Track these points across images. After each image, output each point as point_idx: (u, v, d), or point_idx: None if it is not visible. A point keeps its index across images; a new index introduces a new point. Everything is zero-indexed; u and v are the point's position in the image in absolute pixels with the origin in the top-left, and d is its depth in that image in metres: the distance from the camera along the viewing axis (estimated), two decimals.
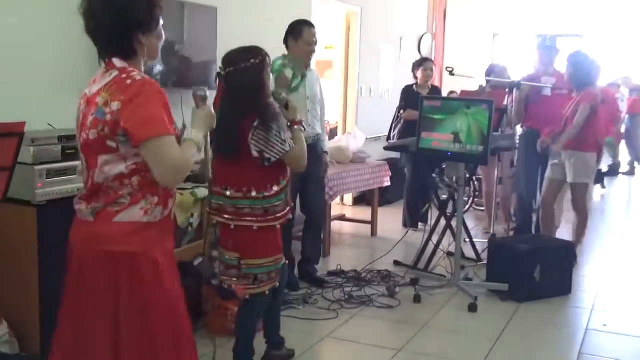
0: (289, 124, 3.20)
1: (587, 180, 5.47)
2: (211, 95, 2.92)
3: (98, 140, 2.02)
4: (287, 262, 3.47)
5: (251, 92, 3.08)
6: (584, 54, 5.72)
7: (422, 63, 6.78)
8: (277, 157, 3.03)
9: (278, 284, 3.27)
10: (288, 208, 3.22)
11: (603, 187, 9.84)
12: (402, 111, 6.51)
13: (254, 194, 3.06)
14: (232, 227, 3.10)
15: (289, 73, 4.38)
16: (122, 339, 2.05)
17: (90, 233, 2.07)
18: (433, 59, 8.42)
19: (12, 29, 3.55)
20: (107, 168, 2.03)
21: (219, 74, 3.19)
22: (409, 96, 6.49)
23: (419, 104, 4.79)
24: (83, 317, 2.09)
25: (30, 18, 3.65)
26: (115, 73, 2.03)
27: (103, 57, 2.10)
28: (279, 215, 3.14)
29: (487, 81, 6.54)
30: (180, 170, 2.03)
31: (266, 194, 3.08)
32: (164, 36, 2.17)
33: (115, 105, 1.97)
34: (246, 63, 3.07)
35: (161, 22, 2.13)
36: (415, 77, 6.75)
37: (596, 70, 5.54)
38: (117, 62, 2.06)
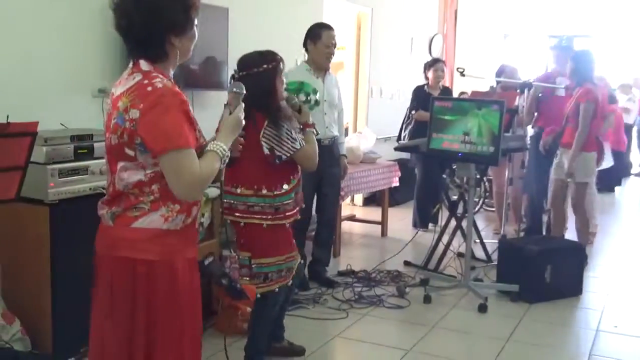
0: (300, 126, 3.24)
1: (587, 179, 5.45)
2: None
3: (118, 146, 1.98)
4: (302, 261, 3.49)
5: (262, 96, 3.08)
6: (587, 50, 5.68)
7: (434, 64, 6.75)
8: (288, 154, 3.08)
9: (291, 282, 3.28)
10: (297, 207, 3.24)
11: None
12: (413, 112, 6.50)
13: (264, 191, 3.11)
14: (242, 224, 3.12)
15: (302, 97, 4.34)
16: (136, 341, 2.04)
17: (110, 238, 2.04)
18: (444, 59, 8.38)
19: (26, 31, 3.57)
20: (126, 175, 1.99)
21: (233, 77, 3.21)
22: (420, 97, 6.47)
23: (430, 104, 4.78)
24: (104, 320, 2.07)
25: (45, 20, 3.67)
26: (138, 77, 1.97)
27: (132, 56, 2.04)
28: (288, 213, 3.18)
29: (498, 82, 6.53)
30: (198, 186, 1.98)
31: (277, 192, 3.12)
32: (197, 37, 2.08)
33: (134, 114, 1.92)
34: (259, 68, 3.12)
35: (196, 22, 2.05)
36: (427, 78, 6.73)
37: (593, 67, 5.50)
38: (143, 64, 2.00)
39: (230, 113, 2.19)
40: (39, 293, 3.26)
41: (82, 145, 3.35)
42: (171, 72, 2.09)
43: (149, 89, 1.93)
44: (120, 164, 2.00)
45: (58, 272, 3.23)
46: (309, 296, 4.51)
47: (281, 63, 3.20)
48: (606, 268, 5.58)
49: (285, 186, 3.15)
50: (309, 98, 4.41)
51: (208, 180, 2.00)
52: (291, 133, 3.09)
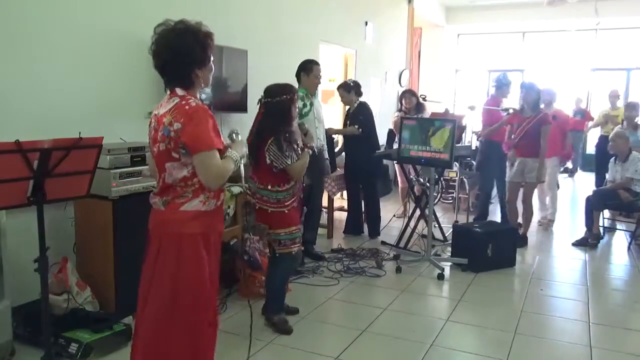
0: (302, 145, 3.29)
1: (534, 180, 5.34)
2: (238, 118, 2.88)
3: (165, 151, 2.04)
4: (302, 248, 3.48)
5: (279, 119, 3.17)
6: (533, 83, 5.49)
7: (337, 89, 5.64)
8: (281, 167, 3.13)
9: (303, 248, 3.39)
10: (293, 198, 3.27)
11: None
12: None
13: (270, 187, 3.20)
14: (257, 207, 3.23)
15: (299, 103, 4.38)
16: (178, 296, 2.09)
17: (163, 219, 2.10)
18: (410, 88, 8.35)
19: (98, 72, 3.58)
20: (175, 172, 2.06)
21: (260, 100, 3.28)
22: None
23: (400, 123, 4.75)
24: (154, 279, 2.12)
25: (109, 63, 3.67)
26: (177, 100, 2.05)
27: (168, 86, 2.11)
28: (286, 203, 3.23)
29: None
30: (221, 177, 2.04)
31: (278, 188, 3.19)
32: (213, 69, 2.16)
33: (177, 126, 1.99)
34: (280, 97, 3.18)
35: (212, 58, 2.13)
36: None
37: (538, 95, 5.43)
38: (179, 91, 2.08)
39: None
40: (105, 266, 3.26)
41: (137, 155, 3.35)
42: (198, 96, 2.15)
43: (187, 107, 2.00)
44: (168, 164, 2.06)
45: (119, 250, 3.23)
46: (309, 268, 4.51)
47: (296, 94, 3.24)
48: (534, 246, 5.58)
49: (286, 185, 3.21)
50: (305, 103, 4.47)
51: (226, 174, 2.05)
52: (286, 152, 3.12)
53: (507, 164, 5.45)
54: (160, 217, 2.11)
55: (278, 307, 3.39)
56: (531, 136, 5.18)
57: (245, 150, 2.29)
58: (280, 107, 3.17)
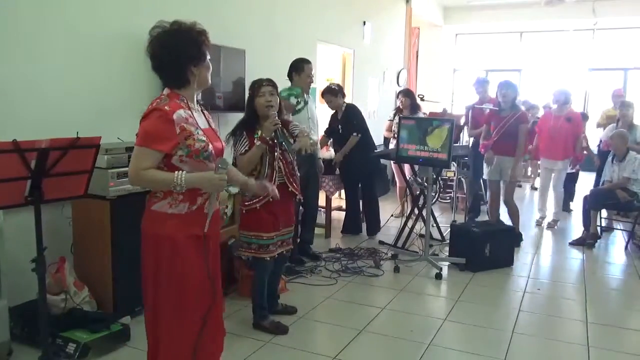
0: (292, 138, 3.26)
1: (510, 179, 5.36)
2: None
3: None
4: (287, 251, 3.35)
5: (245, 109, 3.29)
6: (510, 82, 5.44)
7: (323, 95, 5.46)
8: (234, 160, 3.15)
9: (268, 258, 3.17)
10: (256, 199, 3.09)
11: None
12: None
13: None
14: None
15: (293, 100, 4.34)
16: (157, 293, 2.09)
17: (145, 215, 2.11)
18: (406, 88, 8.32)
19: (94, 71, 3.57)
20: None
21: None
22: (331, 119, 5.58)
23: (398, 122, 4.75)
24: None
25: (106, 63, 3.66)
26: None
27: (164, 86, 2.11)
28: (246, 203, 3.15)
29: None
30: (136, 178, 1.99)
31: None
32: (211, 68, 2.14)
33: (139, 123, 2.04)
34: (249, 93, 3.27)
35: (208, 56, 2.10)
36: None
37: (516, 94, 5.38)
38: (165, 90, 2.09)
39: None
40: (102, 266, 3.26)
41: None
42: (195, 96, 2.13)
43: (150, 107, 2.03)
44: None
45: (116, 250, 3.23)
46: (307, 268, 4.51)
47: (256, 88, 3.19)
48: (531, 245, 5.60)
49: None
50: (299, 100, 4.42)
51: (143, 179, 1.98)
52: (236, 145, 3.12)
53: (485, 163, 5.49)
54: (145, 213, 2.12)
55: (260, 314, 3.31)
56: (510, 135, 5.22)
57: (208, 188, 2.05)
58: (247, 103, 3.26)
